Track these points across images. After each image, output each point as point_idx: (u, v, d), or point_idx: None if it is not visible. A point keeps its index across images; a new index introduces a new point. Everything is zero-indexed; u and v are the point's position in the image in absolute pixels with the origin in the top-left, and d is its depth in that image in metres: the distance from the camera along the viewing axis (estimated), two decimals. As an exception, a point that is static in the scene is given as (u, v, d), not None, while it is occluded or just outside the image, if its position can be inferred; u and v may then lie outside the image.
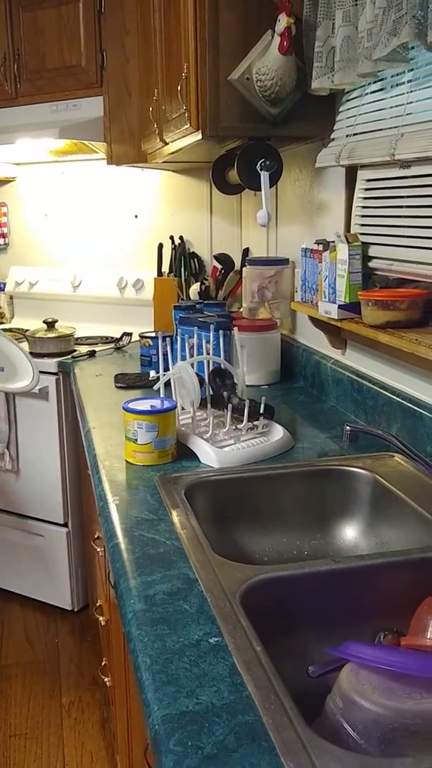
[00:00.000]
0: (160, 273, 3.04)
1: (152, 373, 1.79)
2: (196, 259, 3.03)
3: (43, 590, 2.87)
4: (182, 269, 2.97)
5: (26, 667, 2.54)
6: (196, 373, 1.64)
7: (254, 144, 1.95)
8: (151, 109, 2.29)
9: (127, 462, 1.55)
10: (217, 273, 2.86)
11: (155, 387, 1.66)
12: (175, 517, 1.27)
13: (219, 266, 2.85)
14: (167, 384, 1.75)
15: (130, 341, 2.85)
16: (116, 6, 2.60)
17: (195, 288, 2.87)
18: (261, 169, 1.92)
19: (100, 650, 2.47)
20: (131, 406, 1.53)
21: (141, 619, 0.95)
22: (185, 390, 1.64)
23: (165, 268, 3.04)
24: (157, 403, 1.55)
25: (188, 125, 1.89)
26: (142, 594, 1.01)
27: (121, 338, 2.86)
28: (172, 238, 3.03)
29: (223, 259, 2.84)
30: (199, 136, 1.86)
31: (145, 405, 1.54)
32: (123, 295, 3.16)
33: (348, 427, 1.39)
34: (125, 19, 2.59)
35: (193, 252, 3.03)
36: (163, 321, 2.90)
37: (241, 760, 0.70)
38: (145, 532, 1.22)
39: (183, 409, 1.69)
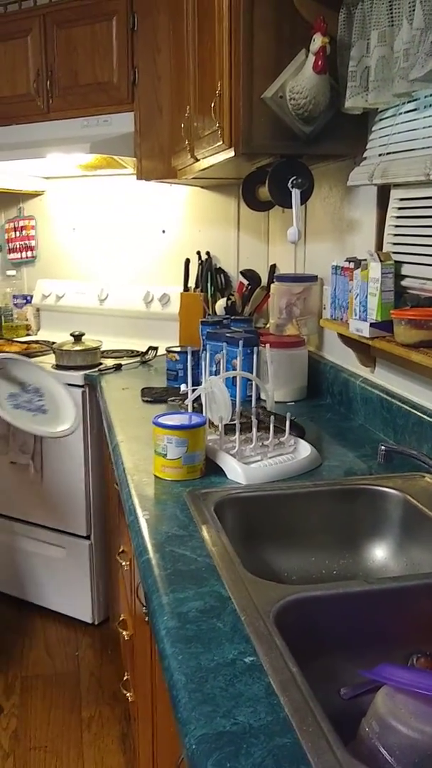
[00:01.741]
0: (186, 288, 3.05)
1: (182, 387, 1.80)
2: (222, 275, 3.04)
3: (64, 603, 2.87)
4: (208, 284, 2.98)
5: (46, 680, 2.54)
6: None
7: (286, 161, 1.95)
8: (182, 125, 2.30)
9: (155, 476, 1.55)
10: (244, 289, 2.86)
11: (186, 401, 1.66)
12: (206, 533, 1.26)
13: (245, 282, 2.86)
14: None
15: (155, 355, 2.85)
16: (149, 24, 2.63)
17: (221, 303, 2.87)
18: (292, 187, 1.92)
19: (121, 664, 2.46)
20: (161, 420, 1.53)
21: (175, 637, 0.94)
22: (216, 405, 1.64)
23: (191, 283, 3.06)
24: (186, 418, 1.55)
25: (221, 142, 1.90)
26: (175, 611, 1.01)
27: (146, 352, 2.87)
28: (198, 253, 3.05)
29: (250, 275, 2.85)
30: (232, 153, 1.87)
31: (175, 420, 1.54)
32: (149, 309, 3.17)
33: (383, 447, 1.38)
34: (157, 37, 2.62)
35: (220, 267, 3.04)
36: (189, 336, 2.91)
37: (280, 783, 0.69)
38: (176, 548, 1.21)
39: (211, 424, 1.69)
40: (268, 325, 2.61)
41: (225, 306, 2.87)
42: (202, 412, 1.67)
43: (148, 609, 1.09)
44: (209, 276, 2.99)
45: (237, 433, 1.62)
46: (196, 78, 2.17)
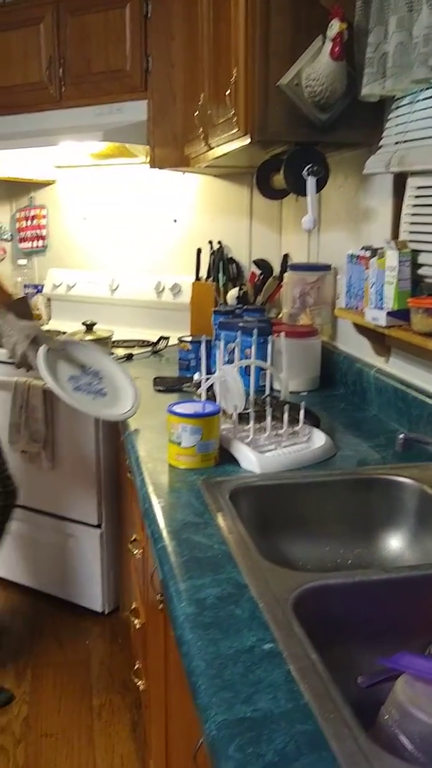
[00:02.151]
0: (198, 278, 3.04)
1: (196, 376, 1.79)
2: (234, 265, 3.03)
3: (74, 592, 2.87)
4: (220, 274, 2.97)
5: (57, 668, 2.54)
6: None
7: (301, 149, 1.94)
8: (196, 113, 2.29)
9: (170, 465, 1.54)
10: (256, 278, 2.85)
11: (199, 390, 1.65)
12: (221, 521, 1.26)
13: (258, 272, 2.85)
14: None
15: (167, 345, 2.85)
16: (162, 12, 2.61)
17: (233, 293, 2.86)
18: (308, 175, 1.90)
19: (132, 653, 2.47)
20: (176, 409, 1.53)
21: (193, 623, 0.94)
22: (230, 394, 1.63)
23: (203, 273, 3.05)
24: (199, 406, 1.55)
25: (236, 129, 1.88)
26: (193, 597, 1.00)
27: (158, 342, 2.86)
28: (210, 243, 3.03)
29: (262, 264, 2.83)
30: (247, 141, 1.86)
31: (189, 408, 1.53)
32: (160, 299, 3.17)
33: (402, 436, 1.37)
34: (171, 24, 2.60)
35: (232, 257, 3.03)
36: (200, 325, 2.90)
37: (302, 769, 0.69)
38: (192, 535, 1.21)
39: (225, 413, 1.68)
40: (280, 315, 2.60)
41: (237, 296, 2.85)
42: (215, 401, 1.67)
43: (164, 596, 1.09)
44: (221, 265, 2.98)
45: (251, 422, 1.61)
46: (211, 65, 2.15)
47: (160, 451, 1.60)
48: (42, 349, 1.66)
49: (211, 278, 3.00)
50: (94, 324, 2.76)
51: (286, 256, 2.81)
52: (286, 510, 1.45)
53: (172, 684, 1.36)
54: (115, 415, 1.75)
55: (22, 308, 2.73)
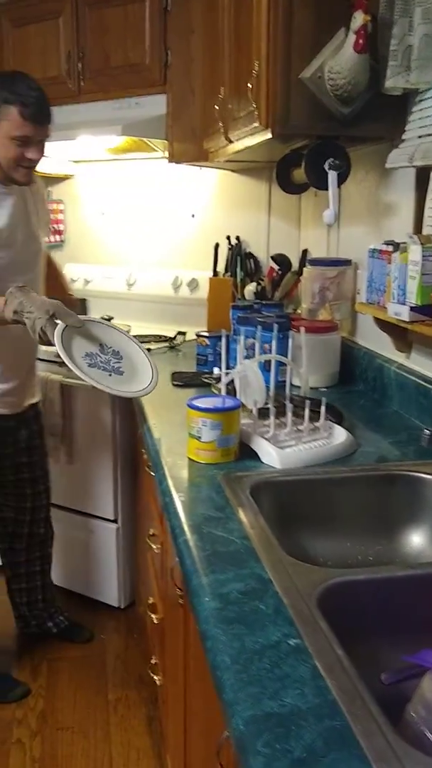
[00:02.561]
0: (215, 273, 3.03)
1: (215, 371, 1.78)
2: (251, 260, 3.01)
3: (90, 586, 2.88)
4: (238, 269, 2.96)
5: (73, 662, 2.55)
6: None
7: (323, 143, 1.93)
8: (216, 107, 2.28)
9: (189, 459, 1.54)
10: (274, 274, 2.84)
11: (219, 385, 1.65)
12: (243, 515, 1.25)
13: (276, 267, 2.83)
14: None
15: (183, 340, 2.84)
16: (182, 5, 2.60)
17: (251, 288, 2.85)
18: (329, 169, 1.89)
19: (148, 648, 2.47)
20: (196, 403, 1.52)
21: (217, 618, 0.93)
22: (250, 389, 1.62)
23: (220, 268, 3.04)
24: (219, 401, 1.54)
25: (257, 123, 1.87)
26: (216, 592, 1.00)
27: (175, 337, 2.85)
28: (228, 238, 3.02)
29: (281, 259, 2.82)
30: (269, 135, 1.84)
31: (209, 403, 1.53)
32: (177, 294, 3.16)
33: (427, 431, 1.36)
34: (191, 18, 2.59)
35: (249, 252, 3.02)
36: (217, 320, 2.89)
37: (331, 765, 0.68)
38: (213, 529, 1.20)
39: (245, 408, 1.67)
40: (298, 311, 2.59)
41: (255, 291, 2.85)
42: (234, 396, 1.66)
43: (187, 590, 1.09)
44: (239, 261, 2.97)
45: (271, 418, 1.60)
46: (232, 59, 2.14)
47: (180, 446, 1.60)
48: (60, 326, 1.65)
49: (228, 273, 2.99)
50: (110, 319, 2.76)
51: (305, 251, 2.79)
52: (307, 506, 1.44)
53: (192, 679, 1.36)
54: (131, 391, 1.71)
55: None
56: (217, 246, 3.02)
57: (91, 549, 2.81)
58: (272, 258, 2.86)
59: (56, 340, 1.63)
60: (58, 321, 1.67)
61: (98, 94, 2.84)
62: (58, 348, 1.63)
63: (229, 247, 3.02)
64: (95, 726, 2.23)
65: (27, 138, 1.98)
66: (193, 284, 3.12)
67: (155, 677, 2.03)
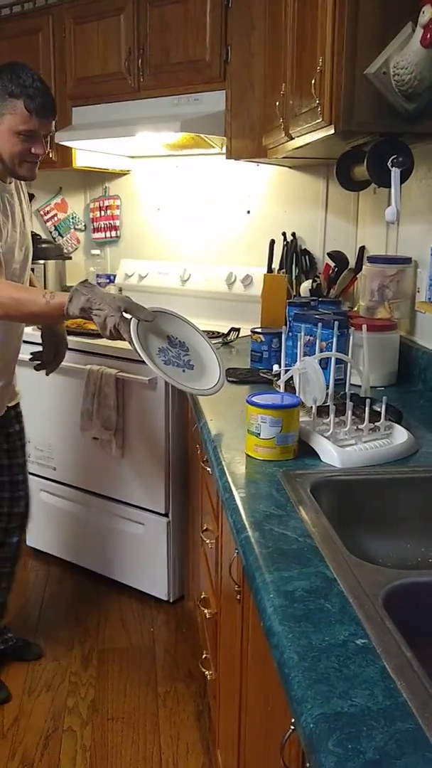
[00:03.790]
0: (270, 269, 3.02)
1: (275, 368, 1.78)
2: (307, 257, 3.00)
3: (140, 579, 2.90)
4: (293, 266, 2.95)
5: (123, 653, 2.57)
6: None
7: (386, 140, 1.90)
8: (277, 103, 2.27)
9: (247, 456, 1.54)
10: (330, 271, 2.82)
11: (279, 382, 1.64)
12: (304, 513, 1.25)
13: (332, 264, 2.81)
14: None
15: (237, 336, 2.84)
16: (243, 1, 2.59)
17: (306, 285, 2.84)
18: (392, 166, 1.87)
19: (197, 643, 2.48)
20: (255, 399, 1.52)
21: (282, 615, 0.93)
22: (310, 386, 1.62)
23: (275, 264, 3.03)
24: (278, 398, 1.54)
25: (320, 119, 1.86)
26: (281, 589, 1.00)
27: (228, 333, 2.85)
28: (284, 234, 3.01)
29: (337, 257, 2.80)
30: (332, 131, 1.83)
31: (268, 399, 1.52)
32: (231, 291, 3.16)
33: None
34: (252, 14, 2.58)
35: (305, 249, 3.00)
36: (271, 317, 2.89)
37: (405, 768, 0.67)
38: (275, 526, 1.20)
39: (303, 406, 1.67)
40: (355, 308, 2.57)
41: (310, 288, 2.83)
42: (292, 393, 1.65)
43: (250, 586, 1.08)
44: (294, 257, 2.96)
45: (331, 416, 1.59)
46: (294, 55, 2.13)
47: (237, 442, 1.60)
48: (133, 323, 1.63)
49: (283, 270, 2.98)
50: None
51: (362, 249, 2.77)
52: (368, 506, 1.43)
53: (250, 675, 1.36)
54: (205, 389, 1.71)
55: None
56: (272, 242, 3.01)
57: (143, 542, 2.83)
58: (329, 255, 2.84)
59: (134, 340, 1.61)
60: (128, 316, 1.65)
61: (157, 90, 2.86)
62: (137, 348, 1.61)
63: (285, 243, 3.01)
64: (144, 718, 2.25)
65: (32, 132, 1.93)
66: (247, 280, 3.11)
67: (206, 672, 2.03)
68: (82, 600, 2.91)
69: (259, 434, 1.51)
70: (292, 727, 0.89)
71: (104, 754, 2.10)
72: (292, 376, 1.70)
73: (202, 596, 2.11)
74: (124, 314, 1.65)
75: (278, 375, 1.72)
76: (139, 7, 2.84)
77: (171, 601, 2.85)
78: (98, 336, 2.82)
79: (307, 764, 0.80)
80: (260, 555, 1.10)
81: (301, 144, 2.13)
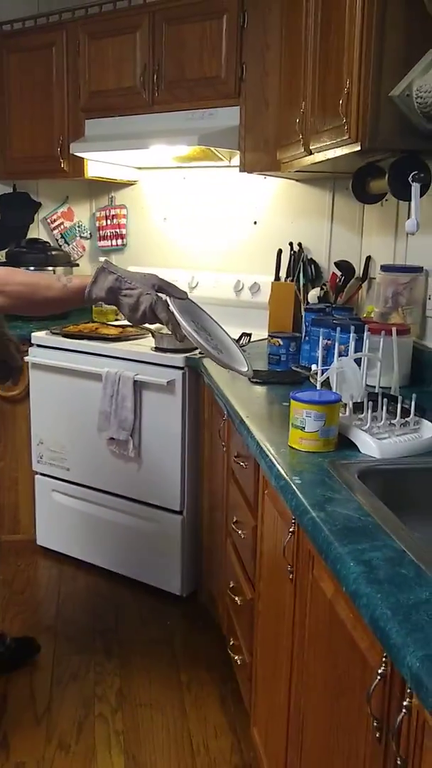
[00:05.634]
0: (277, 278, 3.16)
1: (313, 367, 1.90)
2: (313, 266, 3.13)
3: (153, 575, 3.00)
4: (300, 275, 3.08)
5: (143, 645, 2.67)
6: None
7: (406, 157, 2.05)
8: (297, 120, 2.40)
9: (291, 448, 1.66)
10: (337, 279, 2.96)
11: (320, 380, 1.77)
12: (360, 497, 1.37)
13: (339, 273, 2.96)
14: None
15: (249, 341, 2.96)
16: (258, 22, 2.73)
17: (315, 293, 2.98)
18: (413, 181, 2.01)
19: (215, 633, 2.59)
20: (300, 396, 1.64)
21: (366, 579, 1.05)
22: (347, 384, 1.75)
23: (282, 273, 3.16)
24: (317, 394, 1.66)
25: (347, 137, 1.99)
26: (359, 558, 1.12)
27: (240, 338, 2.97)
28: (291, 244, 3.15)
29: (344, 266, 2.94)
30: (357, 148, 1.97)
31: (312, 396, 1.65)
32: (239, 298, 3.29)
33: None
34: (267, 35, 2.72)
35: (311, 258, 3.14)
36: (279, 323, 3.03)
37: None
38: (336, 508, 1.32)
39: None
40: (364, 314, 2.71)
41: (318, 296, 2.97)
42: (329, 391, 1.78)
43: (329, 558, 1.19)
44: (301, 266, 3.09)
45: (368, 410, 1.72)
46: (316, 75, 2.26)
47: (276, 437, 1.72)
48: (171, 300, 1.57)
49: (290, 278, 3.12)
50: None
51: (368, 258, 2.91)
52: (409, 493, 1.56)
53: (306, 647, 1.46)
54: (242, 370, 1.67)
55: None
56: (279, 252, 3.15)
57: (157, 539, 2.93)
58: (335, 264, 2.98)
59: (178, 316, 1.55)
60: (161, 295, 1.57)
61: (172, 104, 2.98)
62: (184, 324, 1.55)
63: (292, 252, 3.14)
64: (171, 704, 2.35)
65: None
66: (255, 288, 3.25)
67: (236, 657, 2.14)
68: (97, 596, 3.00)
69: (303, 428, 1.64)
70: (379, 677, 1.02)
71: (137, 738, 2.20)
72: (331, 375, 1.82)
73: (231, 585, 2.22)
74: (160, 292, 1.57)
75: (316, 373, 1.84)
76: (155, 26, 2.96)
77: (184, 596, 2.95)
78: (113, 340, 2.94)
79: (403, 702, 0.92)
80: (330, 532, 1.22)
81: (321, 159, 2.27)
